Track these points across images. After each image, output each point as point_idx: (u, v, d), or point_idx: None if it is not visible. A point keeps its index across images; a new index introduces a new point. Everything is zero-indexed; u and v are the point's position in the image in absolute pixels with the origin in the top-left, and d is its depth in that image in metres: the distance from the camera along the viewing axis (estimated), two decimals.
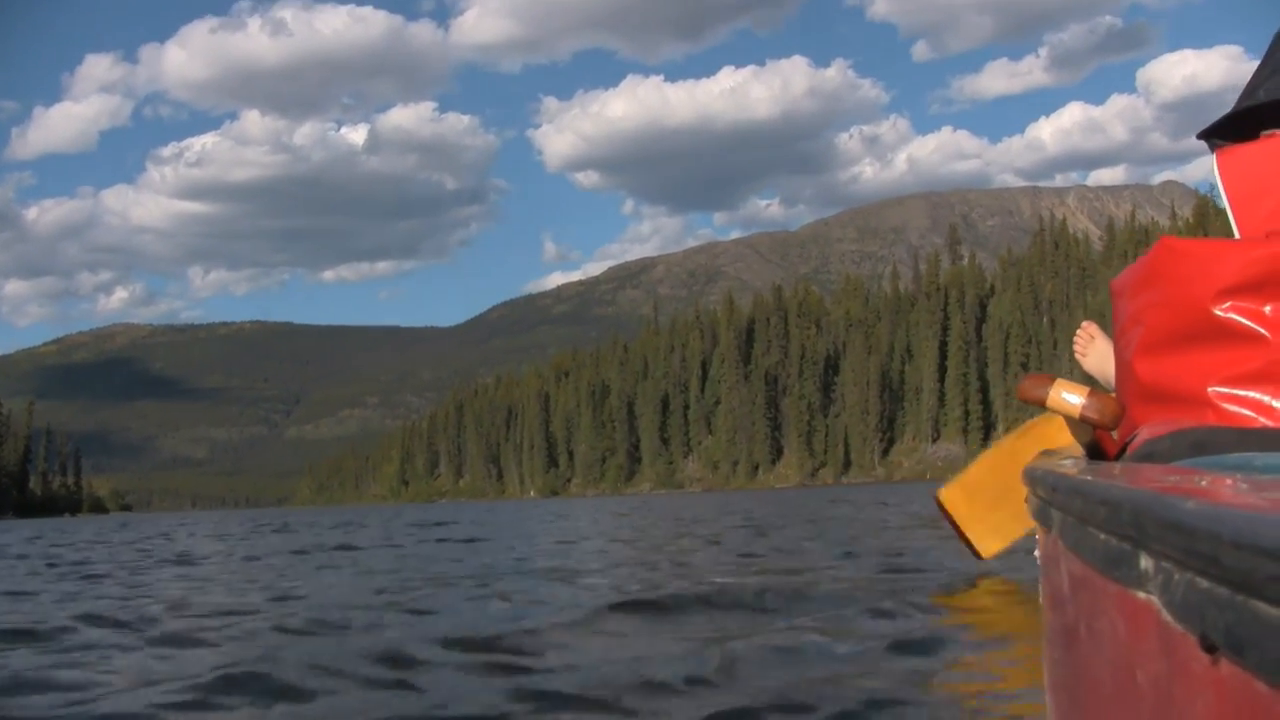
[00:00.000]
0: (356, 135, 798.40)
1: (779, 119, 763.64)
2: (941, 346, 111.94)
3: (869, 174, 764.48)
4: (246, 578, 8.54)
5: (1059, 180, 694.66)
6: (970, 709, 2.97)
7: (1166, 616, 0.71)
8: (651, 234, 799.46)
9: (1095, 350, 2.61)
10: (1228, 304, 1.61)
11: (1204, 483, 0.86)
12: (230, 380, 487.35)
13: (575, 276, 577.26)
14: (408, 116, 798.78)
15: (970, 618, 4.70)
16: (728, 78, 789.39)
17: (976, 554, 5.52)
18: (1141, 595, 0.77)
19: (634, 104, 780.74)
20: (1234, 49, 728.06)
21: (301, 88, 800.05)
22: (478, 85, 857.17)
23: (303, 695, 3.33)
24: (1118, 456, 1.83)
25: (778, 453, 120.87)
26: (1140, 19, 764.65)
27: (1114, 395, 1.90)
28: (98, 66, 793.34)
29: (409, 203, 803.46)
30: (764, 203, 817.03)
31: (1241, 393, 1.61)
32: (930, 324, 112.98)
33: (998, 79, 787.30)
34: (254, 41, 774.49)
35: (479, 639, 4.18)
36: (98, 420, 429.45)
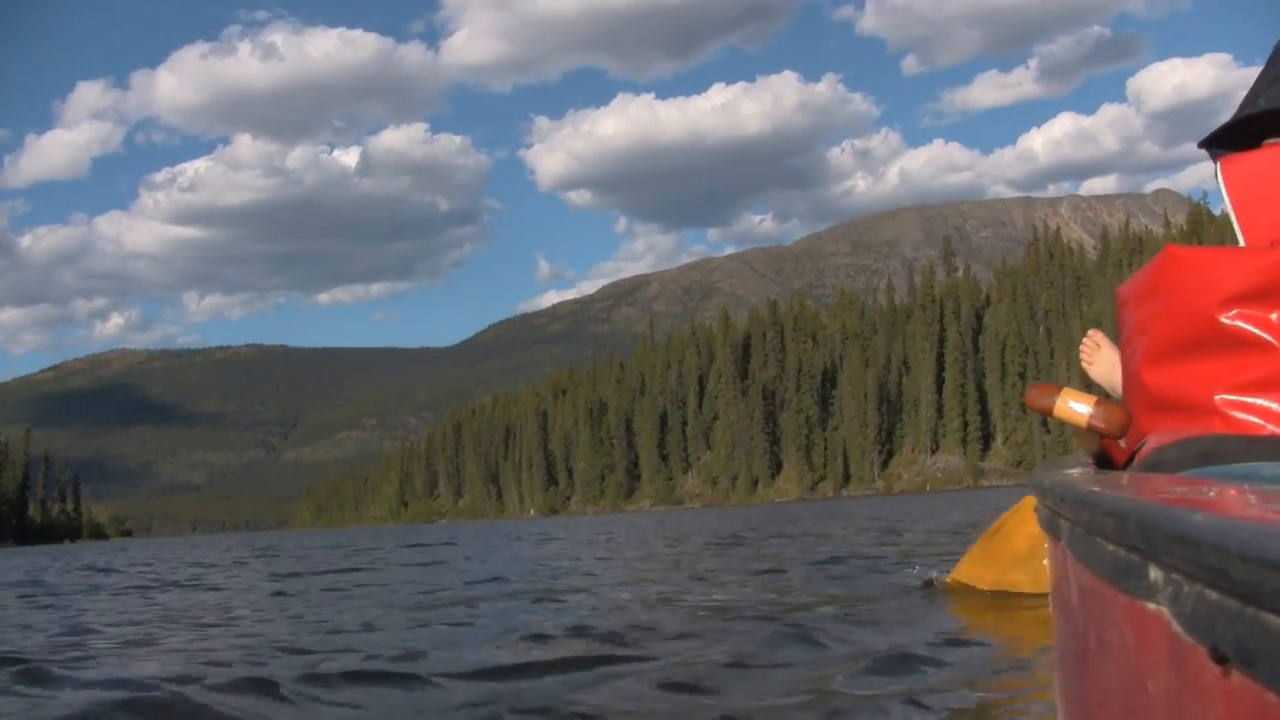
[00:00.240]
0: (349, 158, 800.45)
1: (770, 134, 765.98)
2: (938, 358, 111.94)
3: (861, 188, 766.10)
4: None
5: (1051, 190, 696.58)
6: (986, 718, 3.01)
7: (1177, 628, 0.71)
8: (645, 251, 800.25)
9: (1101, 358, 2.63)
10: (1234, 312, 1.61)
11: (1211, 494, 0.87)
12: (227, 405, 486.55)
13: (570, 295, 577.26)
14: (399, 138, 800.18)
15: (986, 624, 4.75)
16: (718, 94, 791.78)
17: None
18: (1151, 607, 0.77)
19: (625, 122, 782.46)
20: (1223, 57, 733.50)
21: (293, 111, 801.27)
22: (469, 106, 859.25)
23: None
24: (1125, 465, 1.83)
25: (777, 467, 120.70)
26: (1129, 29, 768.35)
27: (1121, 404, 1.90)
28: (89, 93, 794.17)
29: (402, 224, 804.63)
30: (757, 218, 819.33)
31: (1249, 400, 1.61)
32: (926, 336, 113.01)
33: (988, 91, 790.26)
34: (245, 66, 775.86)
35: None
36: (95, 447, 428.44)
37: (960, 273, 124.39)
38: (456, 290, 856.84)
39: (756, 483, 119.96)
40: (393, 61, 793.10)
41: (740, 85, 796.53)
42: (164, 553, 30.30)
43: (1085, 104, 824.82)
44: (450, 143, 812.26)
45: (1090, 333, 2.78)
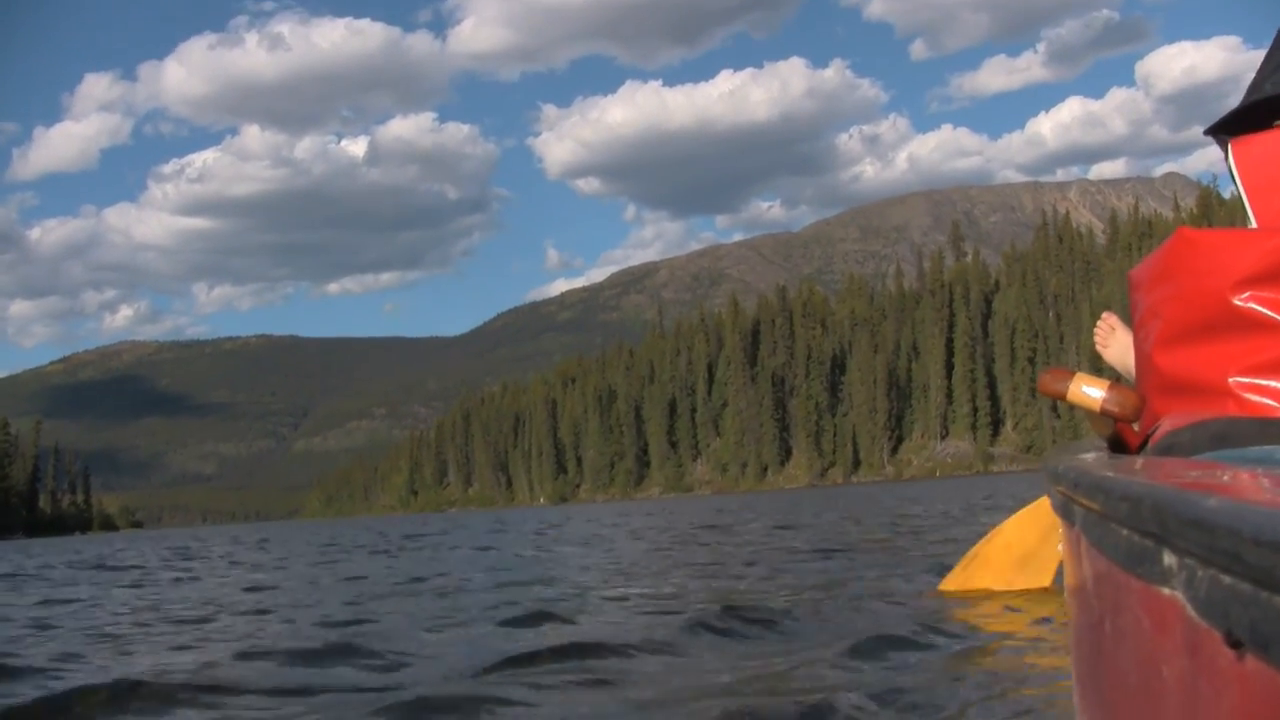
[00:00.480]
0: (357, 147, 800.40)
1: (778, 120, 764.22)
2: (948, 344, 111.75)
3: (870, 173, 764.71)
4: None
5: (1060, 175, 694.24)
6: (1003, 701, 2.96)
7: (1191, 613, 0.71)
8: (654, 238, 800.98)
9: (1116, 342, 2.61)
10: (1247, 294, 1.62)
11: (1226, 478, 0.87)
12: (237, 395, 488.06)
13: (579, 283, 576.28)
14: (407, 127, 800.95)
15: (1002, 608, 4.68)
16: (726, 81, 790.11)
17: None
18: (1166, 591, 0.77)
19: (633, 109, 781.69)
20: (1232, 39, 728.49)
21: (301, 101, 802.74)
22: (476, 95, 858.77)
23: None
24: (1140, 449, 1.83)
25: (786, 453, 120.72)
26: (1137, 12, 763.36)
27: (1135, 387, 1.90)
28: (97, 85, 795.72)
29: (411, 213, 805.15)
30: (766, 204, 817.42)
31: (1263, 382, 1.61)
32: (936, 321, 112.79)
33: (996, 75, 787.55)
34: (252, 57, 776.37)
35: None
36: (105, 438, 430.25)
37: (969, 258, 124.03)
38: (465, 279, 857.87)
39: (766, 469, 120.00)
40: (400, 51, 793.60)
41: (748, 72, 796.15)
42: (197, 541, 30.33)
43: (1094, 88, 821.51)
44: (458, 132, 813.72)
45: (1104, 316, 2.73)
